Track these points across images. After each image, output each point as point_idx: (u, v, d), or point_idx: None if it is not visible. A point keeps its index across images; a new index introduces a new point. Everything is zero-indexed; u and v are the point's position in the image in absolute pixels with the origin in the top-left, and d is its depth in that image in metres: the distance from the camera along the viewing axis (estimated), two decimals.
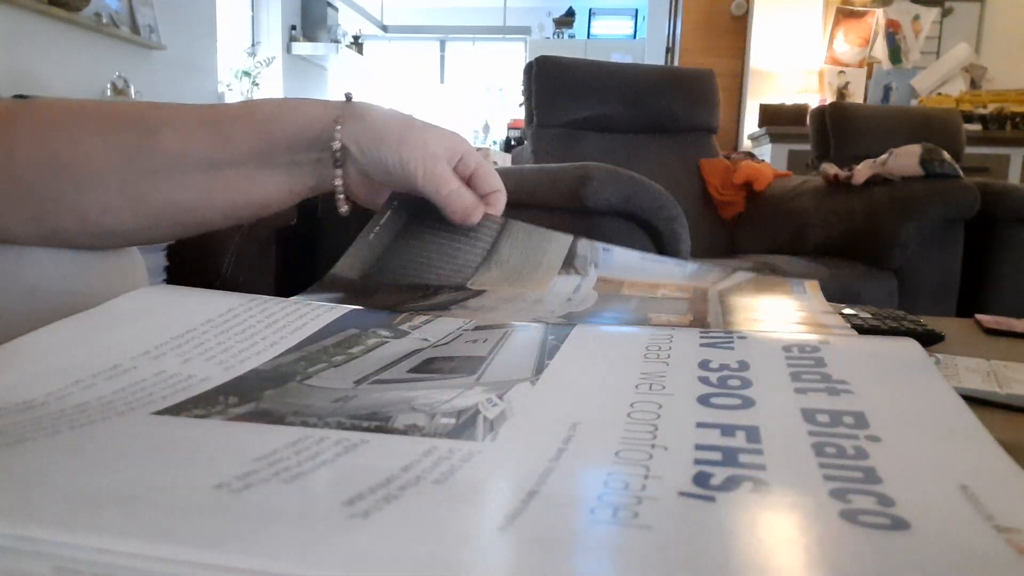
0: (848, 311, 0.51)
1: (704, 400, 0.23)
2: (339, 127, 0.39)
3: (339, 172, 0.40)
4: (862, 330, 0.47)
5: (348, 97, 0.41)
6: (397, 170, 0.39)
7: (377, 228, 0.42)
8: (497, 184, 0.44)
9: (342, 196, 0.41)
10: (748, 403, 0.22)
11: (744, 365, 0.25)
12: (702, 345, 0.28)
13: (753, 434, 0.20)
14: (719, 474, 0.17)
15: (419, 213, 0.42)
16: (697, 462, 0.18)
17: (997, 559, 0.14)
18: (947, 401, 0.22)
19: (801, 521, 0.15)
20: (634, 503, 0.16)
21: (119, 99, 2.73)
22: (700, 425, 0.21)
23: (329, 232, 1.64)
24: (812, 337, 0.28)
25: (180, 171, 0.37)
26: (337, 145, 0.39)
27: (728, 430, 0.20)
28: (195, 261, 1.51)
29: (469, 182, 0.43)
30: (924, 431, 0.20)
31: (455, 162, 0.42)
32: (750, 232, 2.05)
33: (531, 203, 1.40)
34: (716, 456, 0.18)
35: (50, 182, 0.35)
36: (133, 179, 0.36)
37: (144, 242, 0.41)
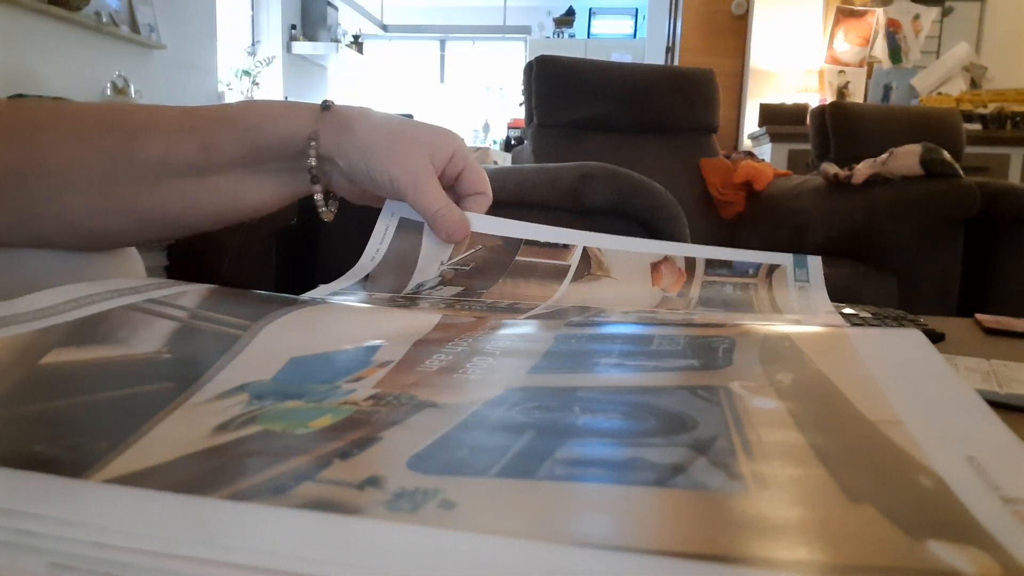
0: (848, 310, 0.51)
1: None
2: (314, 142, 0.37)
3: (317, 187, 0.39)
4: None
5: (326, 105, 0.39)
6: (386, 185, 0.38)
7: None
8: (481, 186, 0.43)
9: (323, 209, 0.41)
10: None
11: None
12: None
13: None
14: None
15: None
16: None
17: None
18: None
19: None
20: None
21: (119, 98, 2.74)
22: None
23: (329, 232, 1.64)
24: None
25: (164, 177, 0.36)
26: (313, 162, 0.38)
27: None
28: (195, 261, 1.51)
29: (458, 179, 0.42)
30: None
31: (446, 163, 0.41)
32: (750, 232, 2.05)
33: (531, 203, 1.40)
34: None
35: (31, 186, 0.34)
36: (116, 184, 0.35)
37: (131, 244, 0.40)
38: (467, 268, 0.43)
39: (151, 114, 0.36)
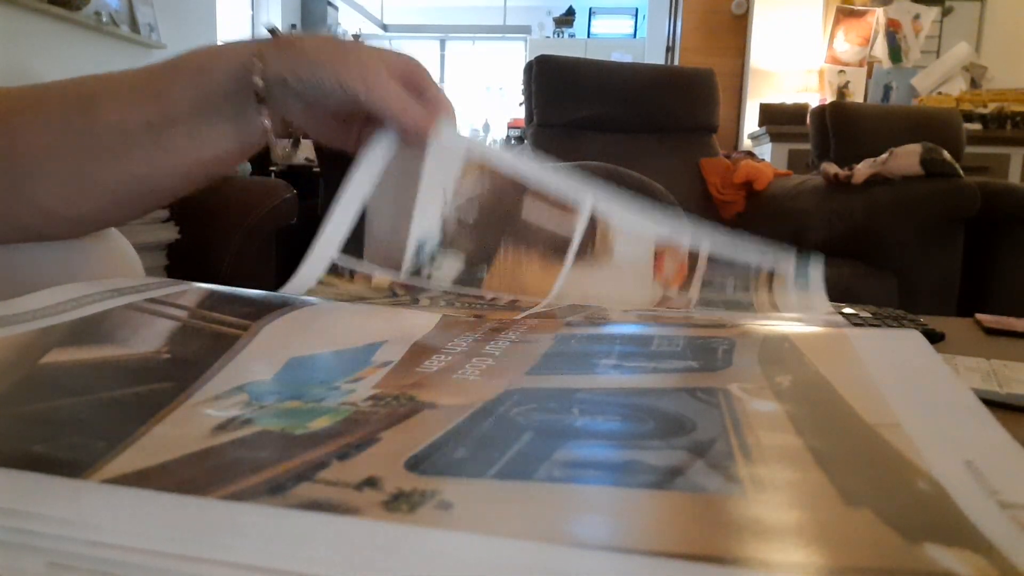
0: (848, 310, 0.51)
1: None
2: (258, 60, 0.37)
3: (264, 110, 0.38)
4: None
5: (272, 31, 0.38)
6: (336, 91, 0.37)
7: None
8: (444, 104, 0.42)
9: (275, 140, 0.39)
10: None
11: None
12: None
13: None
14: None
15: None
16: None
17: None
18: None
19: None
20: None
21: None
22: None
23: None
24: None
25: (123, 141, 0.36)
26: (259, 81, 0.37)
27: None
28: (195, 261, 1.51)
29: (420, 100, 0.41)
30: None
31: (402, 78, 0.39)
32: (750, 232, 2.05)
33: None
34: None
35: (3, 176, 0.35)
36: (81, 160, 0.36)
37: (110, 224, 0.40)
38: (470, 222, 0.41)
39: (103, 80, 0.37)
